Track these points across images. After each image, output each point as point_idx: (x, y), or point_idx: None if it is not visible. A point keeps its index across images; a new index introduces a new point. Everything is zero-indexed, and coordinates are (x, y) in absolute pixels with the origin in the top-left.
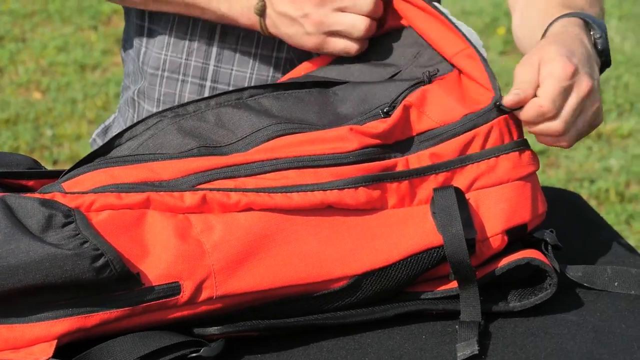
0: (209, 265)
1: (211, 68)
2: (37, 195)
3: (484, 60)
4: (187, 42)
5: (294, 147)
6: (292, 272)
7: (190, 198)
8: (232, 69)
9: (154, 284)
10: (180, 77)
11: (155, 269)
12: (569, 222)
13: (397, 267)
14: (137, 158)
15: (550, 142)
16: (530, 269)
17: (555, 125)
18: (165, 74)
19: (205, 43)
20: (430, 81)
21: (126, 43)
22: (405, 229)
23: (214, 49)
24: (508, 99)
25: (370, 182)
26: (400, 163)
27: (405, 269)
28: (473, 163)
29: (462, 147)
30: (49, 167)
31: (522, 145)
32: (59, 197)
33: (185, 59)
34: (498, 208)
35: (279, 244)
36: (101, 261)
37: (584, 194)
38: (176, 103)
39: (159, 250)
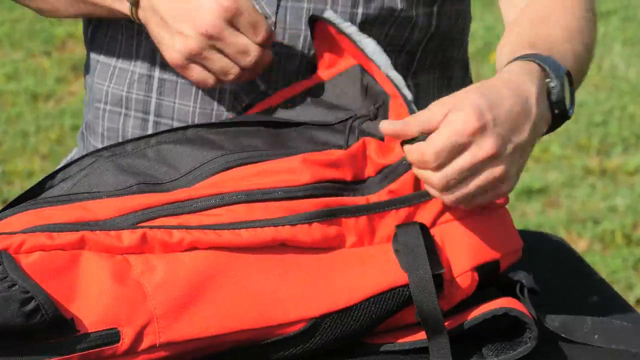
0: (151, 310)
1: (153, 101)
2: None
3: (394, 83)
4: (129, 73)
5: (242, 180)
6: (243, 315)
7: (128, 237)
8: (174, 102)
9: (89, 331)
10: (123, 110)
11: (91, 314)
12: (550, 267)
13: (359, 309)
14: (70, 197)
15: (432, 192)
16: (507, 320)
17: (435, 178)
18: (108, 107)
19: (146, 73)
20: (376, 117)
21: (85, 71)
22: (367, 268)
23: (155, 80)
24: (384, 125)
25: (325, 217)
26: (358, 202)
27: (369, 311)
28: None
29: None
30: None
31: None
32: None
33: (126, 91)
34: (465, 243)
35: (227, 285)
36: (31, 305)
37: (587, 236)
38: (120, 139)
39: (95, 294)
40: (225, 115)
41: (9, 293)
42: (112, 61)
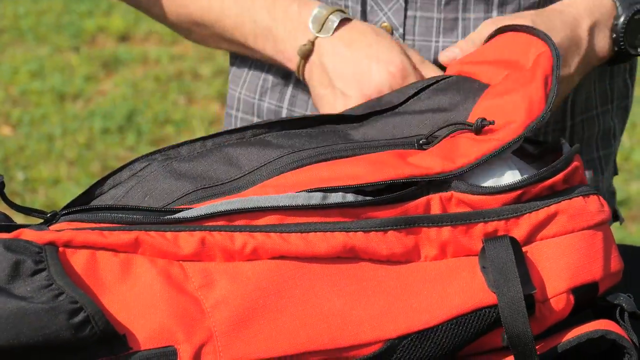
0: (210, 327)
1: (284, 111)
2: (2, 234)
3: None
4: (261, 80)
5: (313, 179)
6: (313, 335)
7: (186, 242)
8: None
9: (143, 348)
10: (255, 119)
11: (144, 329)
12: None
13: (440, 331)
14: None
15: None
16: (604, 344)
17: None
18: (240, 114)
19: (280, 82)
20: (480, 130)
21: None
22: (449, 285)
23: (289, 90)
24: (442, 56)
25: (403, 225)
26: (434, 202)
27: (450, 333)
28: (531, 212)
29: (516, 196)
30: (20, 220)
31: (586, 189)
32: (27, 234)
33: (258, 99)
34: (562, 262)
35: (295, 302)
36: (80, 316)
37: None
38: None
39: (149, 307)
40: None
41: (56, 303)
42: (246, 66)
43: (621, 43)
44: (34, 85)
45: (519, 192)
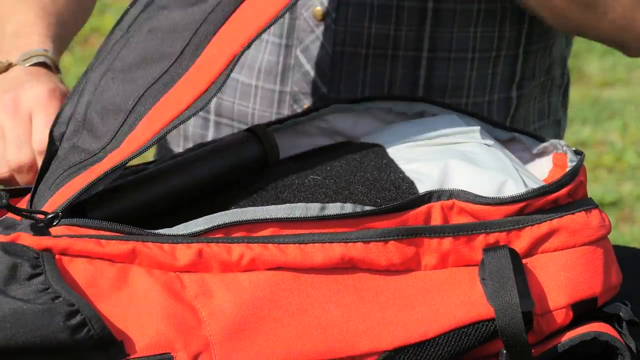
0: (206, 336)
1: (213, 100)
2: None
3: None
4: None
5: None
6: (310, 346)
7: (184, 254)
8: (234, 102)
9: (140, 355)
10: None
11: (141, 337)
12: None
13: (436, 343)
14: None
15: None
16: (596, 346)
17: None
18: None
19: None
20: None
21: None
22: (448, 297)
23: None
24: None
25: (404, 235)
26: (435, 211)
27: (447, 346)
28: (533, 225)
29: (519, 208)
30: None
31: (588, 204)
32: (25, 238)
33: None
34: (562, 277)
35: (292, 313)
36: (77, 318)
37: None
38: (181, 138)
39: (146, 315)
40: None
41: (53, 305)
42: None
43: None
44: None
45: (522, 204)
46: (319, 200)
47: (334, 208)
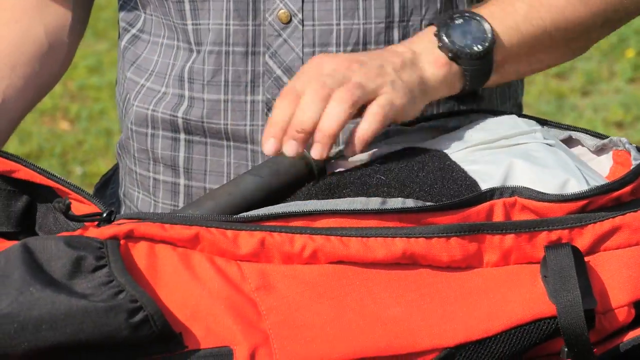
0: (266, 330)
1: (179, 118)
2: (65, 233)
3: None
4: (159, 93)
5: None
6: (371, 342)
7: (246, 242)
8: (202, 121)
9: (199, 347)
10: (150, 130)
11: (201, 328)
12: None
13: (498, 340)
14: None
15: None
16: None
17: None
18: (134, 127)
19: (178, 93)
20: None
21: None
22: (509, 294)
23: (186, 100)
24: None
25: (467, 232)
26: (497, 208)
27: (508, 343)
28: (595, 222)
29: (581, 205)
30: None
31: None
32: (90, 231)
33: (152, 110)
34: (624, 275)
35: (354, 308)
36: (139, 316)
37: None
38: (150, 160)
39: (206, 306)
40: (260, 127)
41: (116, 302)
42: (141, 80)
43: (449, 43)
44: (92, 81)
45: (585, 201)
46: (382, 197)
47: (395, 202)
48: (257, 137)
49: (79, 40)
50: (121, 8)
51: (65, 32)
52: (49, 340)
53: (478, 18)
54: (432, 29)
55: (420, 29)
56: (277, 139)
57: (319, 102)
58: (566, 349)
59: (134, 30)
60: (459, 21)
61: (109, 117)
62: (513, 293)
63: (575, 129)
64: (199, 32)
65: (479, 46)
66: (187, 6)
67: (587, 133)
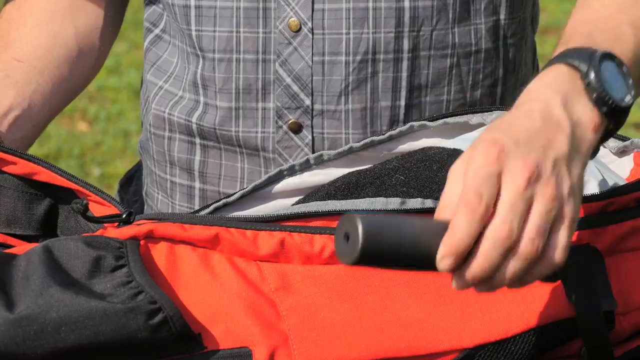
0: (285, 331)
1: (194, 123)
2: (85, 234)
3: None
4: (176, 97)
5: None
6: (390, 342)
7: (266, 242)
8: (215, 128)
9: (218, 348)
10: (167, 133)
11: (220, 328)
12: None
13: (517, 341)
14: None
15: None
16: None
17: (497, 225)
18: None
19: (194, 98)
20: None
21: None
22: (528, 295)
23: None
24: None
25: None
26: None
27: (527, 344)
28: (615, 223)
29: (602, 206)
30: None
31: None
32: (110, 231)
33: (168, 113)
34: None
35: (372, 308)
36: (159, 317)
37: None
38: (167, 163)
39: (225, 307)
40: (272, 135)
41: (135, 303)
42: (160, 81)
43: (607, 99)
44: (110, 82)
45: (605, 202)
46: (401, 197)
47: (414, 203)
48: (268, 144)
49: (110, 44)
50: (146, 7)
51: (96, 34)
52: (68, 342)
53: (617, 60)
54: (573, 73)
55: (431, 40)
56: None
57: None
58: (585, 350)
59: (157, 31)
60: (602, 65)
61: (127, 118)
62: (532, 294)
63: None
64: (201, 39)
65: (629, 97)
66: (192, 12)
67: None
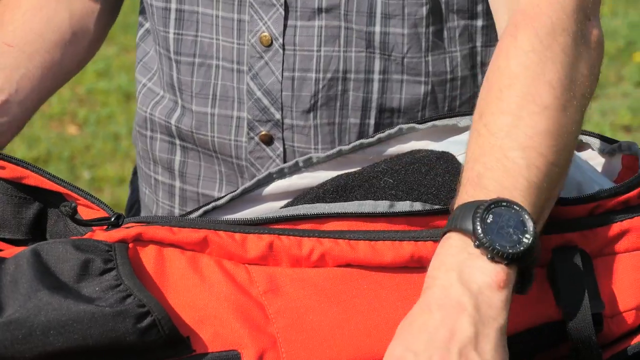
0: (273, 333)
1: (173, 124)
2: (74, 237)
3: None
4: (157, 96)
5: None
6: (378, 346)
7: (254, 245)
8: (192, 131)
9: (207, 351)
10: (148, 133)
11: (209, 332)
12: None
13: (508, 342)
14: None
15: None
16: None
17: None
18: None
19: (172, 99)
20: None
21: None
22: (516, 298)
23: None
24: None
25: None
26: None
27: (516, 348)
28: (603, 226)
29: (590, 209)
30: None
31: None
32: (98, 234)
33: (149, 113)
34: (632, 278)
35: (361, 311)
36: (147, 321)
37: None
38: (150, 160)
39: (215, 310)
40: (244, 145)
41: (124, 307)
42: (144, 79)
43: (501, 252)
44: (100, 85)
45: (593, 204)
46: (389, 200)
47: (403, 206)
48: (241, 153)
49: (107, 29)
50: (140, 1)
51: (92, 19)
52: (57, 346)
53: (504, 204)
54: (464, 238)
55: (403, 65)
56: None
57: None
58: (574, 353)
59: (147, 25)
60: (489, 218)
61: (116, 121)
62: (520, 297)
63: (585, 132)
64: (180, 42)
65: (527, 236)
66: (172, 15)
67: (597, 137)
